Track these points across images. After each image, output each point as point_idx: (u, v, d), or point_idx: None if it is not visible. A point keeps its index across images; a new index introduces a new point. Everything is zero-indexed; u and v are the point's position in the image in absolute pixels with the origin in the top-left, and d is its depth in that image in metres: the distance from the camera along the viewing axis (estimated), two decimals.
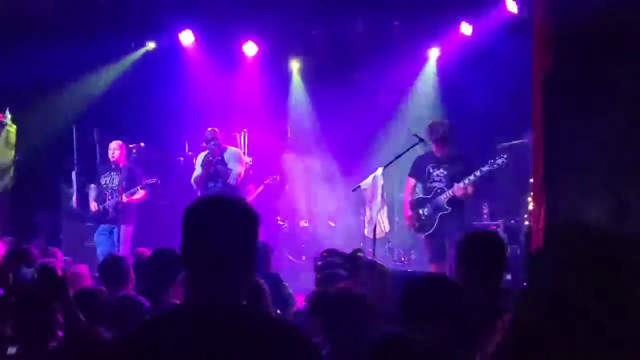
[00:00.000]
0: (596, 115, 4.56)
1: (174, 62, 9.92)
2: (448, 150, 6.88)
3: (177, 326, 1.87)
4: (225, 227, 1.89)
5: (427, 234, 6.98)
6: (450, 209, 6.81)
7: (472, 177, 6.69)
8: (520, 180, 7.52)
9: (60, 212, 9.19)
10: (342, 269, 3.76)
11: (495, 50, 8.66)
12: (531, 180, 6.68)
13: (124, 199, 7.86)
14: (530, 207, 6.88)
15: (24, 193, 8.87)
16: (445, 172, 6.86)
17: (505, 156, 6.65)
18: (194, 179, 8.23)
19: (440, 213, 6.85)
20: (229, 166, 8.05)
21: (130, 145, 8.34)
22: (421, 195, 7.02)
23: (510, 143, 8.28)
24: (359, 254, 3.82)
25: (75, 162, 9.35)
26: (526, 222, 7.29)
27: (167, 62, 9.86)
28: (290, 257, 9.37)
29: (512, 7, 8.65)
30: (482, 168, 6.69)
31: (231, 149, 8.36)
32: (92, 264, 7.70)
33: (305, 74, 10.13)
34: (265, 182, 9.26)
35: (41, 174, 9.22)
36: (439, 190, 6.86)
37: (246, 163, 8.43)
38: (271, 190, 9.45)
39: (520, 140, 8.03)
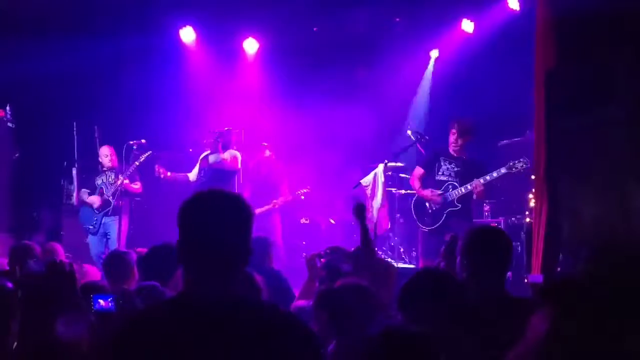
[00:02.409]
0: (598, 113, 4.55)
1: (175, 59, 9.91)
2: (465, 148, 6.85)
3: (171, 318, 1.90)
4: (219, 221, 1.95)
5: (430, 228, 6.89)
6: (460, 206, 6.74)
7: (488, 177, 6.65)
8: (521, 177, 7.51)
9: (60, 209, 9.19)
10: (347, 265, 3.77)
11: (496, 47, 8.65)
12: (533, 177, 6.69)
13: (124, 181, 8.00)
14: (532, 204, 6.87)
15: (25, 190, 8.86)
16: (457, 169, 6.80)
17: (525, 160, 6.57)
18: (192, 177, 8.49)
19: (449, 209, 6.76)
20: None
21: (131, 142, 8.35)
22: (430, 188, 6.93)
23: (510, 140, 8.26)
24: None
25: (75, 159, 9.35)
26: (527, 220, 7.28)
27: (168, 59, 9.85)
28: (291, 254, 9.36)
29: (513, 4, 8.64)
30: (500, 170, 6.65)
31: (232, 151, 8.45)
32: (91, 261, 7.74)
33: (306, 70, 10.11)
34: (296, 193, 9.08)
35: (42, 171, 9.21)
36: (450, 186, 6.79)
37: (235, 159, 8.42)
38: (300, 203, 9.32)
39: (521, 138, 8.02)
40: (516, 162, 6.61)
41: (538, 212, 6.08)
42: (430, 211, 6.88)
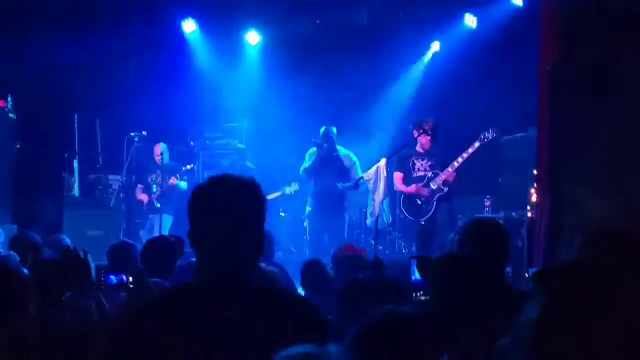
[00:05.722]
0: (603, 109, 4.54)
1: (177, 51, 9.90)
2: (432, 145, 7.19)
3: (183, 301, 1.89)
4: (231, 206, 1.90)
5: (425, 219, 7.15)
6: (446, 189, 7.07)
7: (465, 155, 6.95)
8: (523, 173, 7.51)
9: (62, 200, 9.18)
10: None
11: (500, 42, 8.64)
12: (535, 172, 6.68)
13: (172, 181, 8.28)
14: (534, 199, 6.87)
15: (26, 181, 8.85)
16: (431, 163, 7.17)
17: (493, 129, 6.89)
18: (305, 170, 8.29)
19: (438, 195, 7.07)
20: (352, 175, 8.05)
21: (132, 134, 8.35)
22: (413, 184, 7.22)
23: (514, 136, 8.25)
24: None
25: (77, 151, 9.35)
26: (529, 215, 7.28)
27: (170, 51, 9.83)
28: (293, 249, 9.35)
29: None
30: (474, 144, 6.94)
31: (341, 150, 8.28)
32: (93, 253, 7.73)
33: (308, 64, 10.09)
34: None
35: (43, 163, 9.20)
36: (432, 175, 7.11)
37: (353, 162, 8.24)
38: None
39: (523, 134, 8.01)
40: (485, 132, 6.92)
41: (540, 207, 6.07)
42: (420, 203, 7.12)
